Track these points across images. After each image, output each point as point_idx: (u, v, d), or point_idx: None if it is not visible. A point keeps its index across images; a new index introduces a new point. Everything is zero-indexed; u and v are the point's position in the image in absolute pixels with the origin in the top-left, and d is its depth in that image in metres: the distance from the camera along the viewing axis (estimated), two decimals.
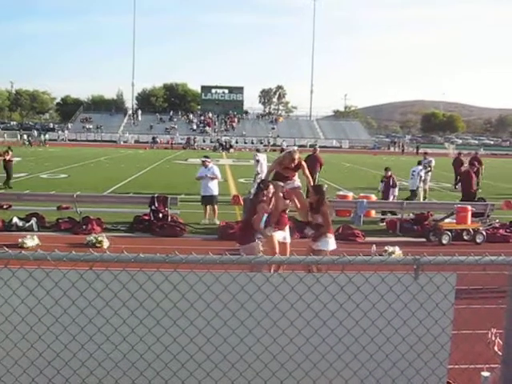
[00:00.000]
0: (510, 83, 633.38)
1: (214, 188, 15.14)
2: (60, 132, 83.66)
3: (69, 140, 77.12)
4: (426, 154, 23.86)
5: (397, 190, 16.94)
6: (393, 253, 11.15)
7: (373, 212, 15.57)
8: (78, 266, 2.83)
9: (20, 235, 11.78)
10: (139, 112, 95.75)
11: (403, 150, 72.99)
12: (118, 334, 2.93)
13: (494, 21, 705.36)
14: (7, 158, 22.04)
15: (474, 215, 13.51)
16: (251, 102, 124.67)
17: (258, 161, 20.61)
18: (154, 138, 71.92)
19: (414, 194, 18.73)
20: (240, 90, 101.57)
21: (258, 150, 23.08)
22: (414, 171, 18.89)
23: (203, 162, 15.53)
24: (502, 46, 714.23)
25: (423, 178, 19.70)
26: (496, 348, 3.36)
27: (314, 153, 20.34)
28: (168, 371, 2.99)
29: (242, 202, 15.54)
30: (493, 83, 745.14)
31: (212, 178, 15.13)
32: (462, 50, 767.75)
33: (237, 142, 74.62)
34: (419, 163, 20.11)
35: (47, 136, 68.82)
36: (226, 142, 67.44)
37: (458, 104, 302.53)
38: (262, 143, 74.53)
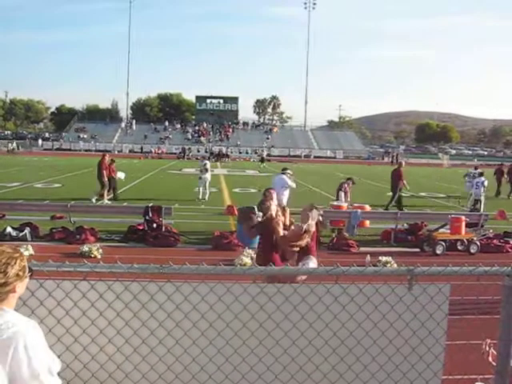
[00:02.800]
0: (504, 94, 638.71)
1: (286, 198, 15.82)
2: (40, 141, 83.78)
3: (63, 150, 77.26)
4: (476, 167, 26.48)
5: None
6: (387, 263, 11.15)
7: (367, 222, 15.58)
8: (72, 276, 2.82)
9: (13, 245, 11.71)
10: (133, 122, 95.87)
11: (397, 161, 73.17)
12: (111, 344, 2.92)
13: (487, 31, 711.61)
14: (113, 173, 21.34)
15: (468, 225, 13.56)
16: (246, 112, 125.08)
17: (207, 170, 22.30)
18: (142, 149, 73.21)
19: (477, 202, 20.50)
20: (235, 100, 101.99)
21: (207, 158, 25.07)
22: (477, 182, 20.74)
23: (285, 173, 15.97)
24: (495, 56, 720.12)
25: (486, 187, 21.25)
26: (490, 358, 3.36)
27: (399, 167, 20.81)
28: (162, 382, 2.98)
29: (237, 212, 15.54)
30: (487, 94, 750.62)
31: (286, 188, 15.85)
32: (456, 60, 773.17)
33: (231, 152, 74.73)
34: (481, 174, 21.95)
35: (14, 144, 69.29)
36: (219, 152, 67.78)
37: (452, 114, 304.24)
38: (256, 153, 74.79)
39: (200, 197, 21.58)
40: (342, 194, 16.81)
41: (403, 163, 21.62)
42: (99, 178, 20.77)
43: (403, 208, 19.39)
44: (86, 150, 78.13)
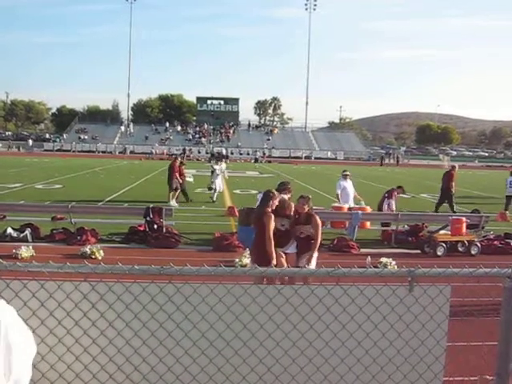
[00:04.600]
0: (504, 95, 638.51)
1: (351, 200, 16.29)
2: (30, 142, 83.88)
3: (63, 150, 77.35)
4: None
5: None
6: (388, 264, 11.15)
7: (368, 223, 15.57)
8: (73, 278, 2.82)
9: (14, 246, 11.72)
10: (131, 124, 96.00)
11: (398, 162, 73.10)
12: (112, 345, 2.92)
13: (488, 33, 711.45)
14: (182, 176, 21.39)
15: (468, 227, 13.55)
16: (246, 113, 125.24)
17: (223, 172, 23.33)
18: (125, 149, 75.58)
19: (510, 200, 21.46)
20: (235, 101, 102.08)
21: (216, 162, 25.93)
22: (510, 181, 21.50)
23: (345, 175, 16.19)
24: (496, 58, 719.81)
25: None
26: None
27: (452, 170, 21.00)
28: (163, 383, 2.98)
29: (238, 214, 15.53)
30: (487, 95, 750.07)
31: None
32: (456, 61, 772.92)
33: (232, 153, 74.74)
34: None
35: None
36: (218, 153, 67.86)
37: (453, 116, 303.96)
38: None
39: (215, 188, 22.07)
40: (393, 203, 16.09)
41: (456, 166, 21.86)
42: (169, 182, 20.99)
43: (455, 210, 19.66)
44: (87, 151, 78.28)
